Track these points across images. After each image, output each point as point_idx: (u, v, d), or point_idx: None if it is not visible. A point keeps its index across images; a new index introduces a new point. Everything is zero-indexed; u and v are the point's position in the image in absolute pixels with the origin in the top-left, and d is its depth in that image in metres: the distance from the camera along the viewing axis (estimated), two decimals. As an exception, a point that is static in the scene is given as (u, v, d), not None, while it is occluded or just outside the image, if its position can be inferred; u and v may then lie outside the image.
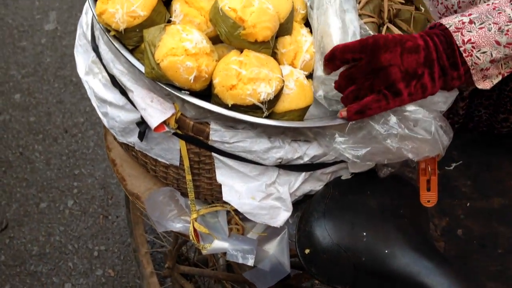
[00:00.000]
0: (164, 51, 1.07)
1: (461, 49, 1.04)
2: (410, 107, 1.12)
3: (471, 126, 1.76)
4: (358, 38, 1.15)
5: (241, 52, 1.14)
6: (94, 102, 1.34)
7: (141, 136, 1.23)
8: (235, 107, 1.11)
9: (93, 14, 1.18)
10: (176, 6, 1.19)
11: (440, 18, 1.50)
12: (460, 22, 1.07)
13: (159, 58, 1.08)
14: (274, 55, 1.25)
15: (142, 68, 1.13)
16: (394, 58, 1.00)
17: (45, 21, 3.58)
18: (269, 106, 1.12)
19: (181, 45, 1.08)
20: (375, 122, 1.11)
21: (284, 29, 1.23)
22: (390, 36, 1.02)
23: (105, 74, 1.29)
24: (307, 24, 1.32)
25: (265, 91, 1.08)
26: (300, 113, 1.18)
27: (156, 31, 1.11)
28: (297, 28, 1.27)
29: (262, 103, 1.09)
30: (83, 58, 1.38)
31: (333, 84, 1.15)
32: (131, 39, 1.15)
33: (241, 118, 1.11)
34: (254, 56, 1.11)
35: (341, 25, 1.17)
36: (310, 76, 1.27)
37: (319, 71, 1.19)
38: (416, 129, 1.14)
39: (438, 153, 1.17)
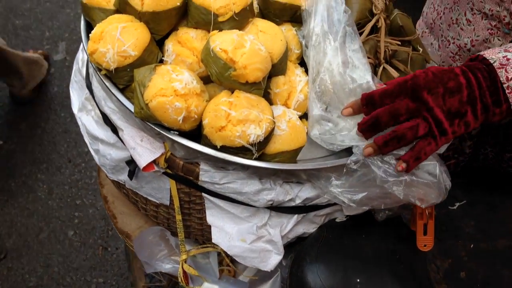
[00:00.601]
0: (154, 91, 1.06)
1: (505, 85, 1.00)
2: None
3: (476, 165, 1.73)
4: (369, 77, 1.14)
5: (232, 92, 1.12)
6: (86, 139, 1.33)
7: (131, 175, 1.21)
8: (224, 149, 1.09)
9: (85, 52, 1.18)
10: (169, 46, 1.18)
11: (453, 57, 1.48)
12: (505, 58, 1.02)
13: (148, 98, 1.06)
14: (267, 95, 1.23)
15: (132, 107, 1.12)
16: (436, 100, 0.97)
17: (55, 51, 3.61)
18: (259, 148, 1.10)
19: (171, 85, 1.06)
20: (375, 166, 1.07)
21: (277, 69, 1.21)
22: (430, 75, 0.99)
23: (98, 112, 1.28)
24: (303, 63, 1.31)
25: (255, 133, 1.06)
26: (292, 155, 1.16)
27: (146, 71, 1.09)
28: (292, 68, 1.25)
29: (251, 145, 1.07)
30: (77, 94, 1.37)
31: (329, 124, 1.12)
32: (122, 78, 1.14)
33: (230, 159, 1.09)
34: (244, 97, 1.09)
35: (343, 63, 1.15)
36: (304, 116, 1.25)
37: (316, 110, 1.17)
38: (420, 173, 1.11)
39: (443, 198, 1.14)
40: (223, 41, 1.09)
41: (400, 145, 1.01)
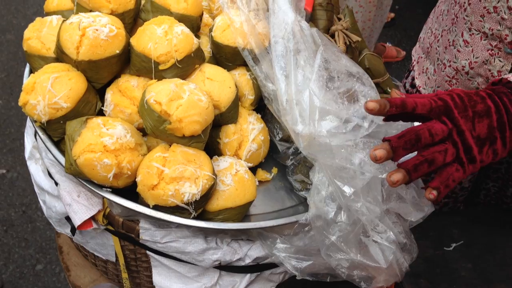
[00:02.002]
0: (82, 147, 0.99)
1: None
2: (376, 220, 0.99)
3: (477, 201, 1.62)
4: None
5: (170, 145, 1.04)
6: (36, 189, 1.27)
7: (73, 231, 1.14)
8: (159, 208, 1.00)
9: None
10: (108, 96, 1.11)
11: (449, 81, 1.38)
12: None
13: (76, 154, 0.99)
14: (216, 144, 1.15)
15: (63, 161, 1.05)
16: (467, 123, 0.89)
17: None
18: (198, 206, 1.01)
19: (100, 140, 0.99)
20: (321, 235, 0.98)
21: (226, 117, 1.13)
22: (456, 97, 0.90)
23: (43, 162, 1.21)
24: (260, 108, 1.23)
25: (190, 191, 0.98)
26: (239, 211, 1.07)
27: (77, 124, 1.03)
28: (244, 115, 1.17)
29: (187, 204, 0.99)
30: (29, 140, 1.31)
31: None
32: (56, 130, 1.08)
33: (166, 219, 1.01)
34: (181, 152, 1.01)
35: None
36: (258, 167, 1.16)
37: (299, 125, 1.03)
38: (370, 255, 1.00)
39: (396, 281, 1.03)
40: (159, 92, 1.01)
41: (429, 170, 0.88)
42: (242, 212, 1.08)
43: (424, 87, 1.51)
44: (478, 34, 1.28)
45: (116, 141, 1.00)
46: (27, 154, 1.29)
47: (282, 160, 1.21)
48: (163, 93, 1.01)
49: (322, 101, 0.98)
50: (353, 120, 0.99)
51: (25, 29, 1.17)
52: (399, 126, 1.03)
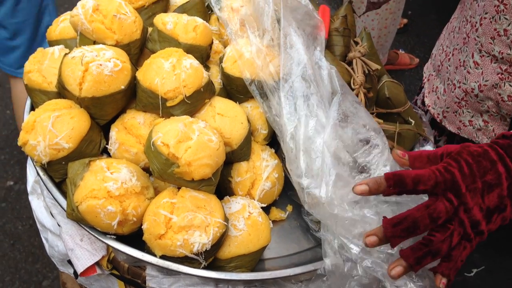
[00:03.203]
0: (84, 192, 0.93)
1: None
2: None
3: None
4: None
5: (178, 189, 0.98)
6: (38, 225, 1.21)
7: (76, 275, 1.08)
8: (166, 257, 0.94)
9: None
10: (112, 134, 1.05)
11: (458, 103, 1.31)
12: None
13: (78, 200, 0.93)
14: (228, 183, 1.08)
15: (65, 205, 0.98)
16: (474, 197, 0.81)
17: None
18: (208, 256, 0.95)
19: (103, 186, 0.92)
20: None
21: (238, 155, 1.06)
22: (465, 167, 0.82)
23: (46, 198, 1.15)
24: (273, 142, 1.16)
25: (199, 241, 0.91)
26: (253, 257, 1.00)
27: (79, 167, 0.96)
28: (257, 151, 1.10)
29: (196, 254, 0.92)
30: (32, 173, 1.25)
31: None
32: (57, 171, 1.02)
33: (174, 269, 0.94)
34: (190, 198, 0.94)
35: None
36: (272, 205, 1.09)
37: (305, 180, 0.97)
38: None
39: None
40: (166, 133, 0.94)
41: (434, 260, 0.81)
42: (255, 258, 1.01)
43: (433, 107, 1.44)
44: (488, 56, 1.21)
45: (121, 186, 0.93)
46: (29, 188, 1.23)
47: (297, 199, 1.14)
48: (171, 134, 0.94)
49: (337, 163, 0.91)
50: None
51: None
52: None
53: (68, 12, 1.23)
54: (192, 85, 1.02)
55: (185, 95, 1.01)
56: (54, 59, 1.09)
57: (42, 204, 1.17)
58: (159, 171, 0.95)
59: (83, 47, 1.03)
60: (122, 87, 1.02)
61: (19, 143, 1.00)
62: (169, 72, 1.01)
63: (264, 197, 1.08)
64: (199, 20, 1.15)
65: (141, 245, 0.97)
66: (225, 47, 1.28)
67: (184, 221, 0.91)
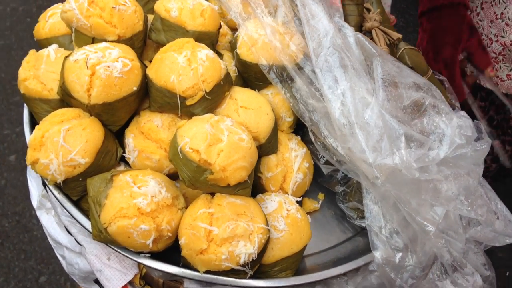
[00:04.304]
0: (112, 212, 0.84)
1: None
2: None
3: None
4: None
5: (212, 195, 0.90)
6: (50, 241, 1.11)
7: (104, 294, 1.00)
8: (210, 272, 0.87)
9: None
10: (129, 140, 0.95)
11: (495, 58, 1.26)
12: None
13: (106, 221, 0.84)
14: (257, 179, 1.00)
15: (89, 226, 0.89)
16: None
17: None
18: (254, 264, 0.88)
19: (133, 203, 0.84)
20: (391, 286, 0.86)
21: (267, 148, 0.98)
22: None
23: (57, 214, 1.06)
24: (297, 128, 1.08)
25: (245, 251, 0.84)
26: (297, 258, 0.94)
27: (101, 183, 0.87)
28: (284, 141, 1.02)
29: (243, 265, 0.85)
30: (36, 185, 1.15)
31: None
32: (74, 189, 0.92)
33: (219, 282, 0.87)
34: (228, 205, 0.86)
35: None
36: (303, 197, 1.03)
37: (371, 154, 0.87)
38: None
39: None
40: (194, 137, 0.85)
41: None
42: (299, 258, 0.95)
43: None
44: None
45: (151, 201, 0.85)
46: (35, 203, 1.13)
47: (330, 186, 1.08)
48: (199, 138, 0.85)
49: (400, 125, 0.83)
50: (430, 143, 0.85)
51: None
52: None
53: (57, 5, 1.11)
54: (212, 79, 0.93)
55: (205, 91, 0.92)
56: (51, 63, 0.98)
57: (54, 220, 1.07)
58: (190, 180, 0.86)
59: (86, 48, 0.92)
60: (134, 88, 0.92)
61: (27, 163, 0.90)
62: (185, 68, 0.91)
63: (297, 189, 1.01)
64: (205, 3, 1.04)
65: (176, 258, 0.89)
66: (230, 28, 1.17)
67: (226, 232, 0.84)
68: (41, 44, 1.08)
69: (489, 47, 1.28)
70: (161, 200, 0.86)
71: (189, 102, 0.92)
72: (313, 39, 0.95)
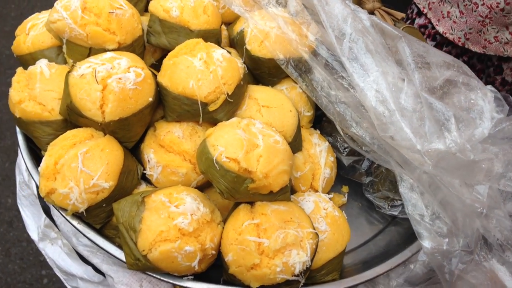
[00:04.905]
0: (151, 237, 0.76)
1: None
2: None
3: None
4: None
5: (251, 204, 0.83)
6: (58, 274, 1.02)
7: (136, 323, 0.92)
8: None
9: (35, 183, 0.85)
10: (150, 155, 0.86)
11: (482, 22, 1.25)
12: None
13: (145, 247, 0.76)
14: (285, 180, 0.95)
15: (120, 254, 0.81)
16: None
17: None
18: (306, 271, 0.82)
19: (173, 224, 0.76)
20: (442, 274, 0.83)
21: (293, 147, 0.92)
22: None
23: (67, 242, 0.96)
24: (316, 121, 1.03)
25: (299, 260, 0.78)
26: (341, 258, 0.89)
27: (132, 207, 0.79)
28: (307, 137, 0.97)
29: (297, 275, 0.79)
30: (31, 215, 1.05)
31: None
32: (98, 216, 0.83)
33: (270, 296, 0.81)
34: (273, 213, 0.80)
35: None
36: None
37: (418, 140, 0.82)
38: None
39: None
40: (228, 146, 0.78)
41: None
42: (342, 258, 0.91)
43: (451, 32, 1.36)
44: None
45: (192, 220, 0.78)
46: (35, 235, 1.03)
47: (355, 177, 1.04)
48: (234, 146, 0.78)
49: (447, 106, 0.80)
50: (476, 121, 0.83)
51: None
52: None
53: (35, 15, 1.00)
54: (232, 80, 0.86)
55: (227, 94, 0.85)
56: (47, 80, 0.88)
57: (62, 251, 0.98)
58: (230, 191, 0.80)
59: (90, 60, 0.83)
60: (150, 99, 0.84)
61: (42, 194, 0.80)
62: (204, 71, 0.84)
63: (326, 185, 0.97)
64: (204, -1, 0.97)
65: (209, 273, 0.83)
66: (223, 20, 1.10)
67: (277, 242, 0.78)
68: (23, 60, 0.97)
69: (475, 11, 1.27)
70: (200, 217, 0.79)
71: (211, 108, 0.85)
72: (333, 26, 0.89)
